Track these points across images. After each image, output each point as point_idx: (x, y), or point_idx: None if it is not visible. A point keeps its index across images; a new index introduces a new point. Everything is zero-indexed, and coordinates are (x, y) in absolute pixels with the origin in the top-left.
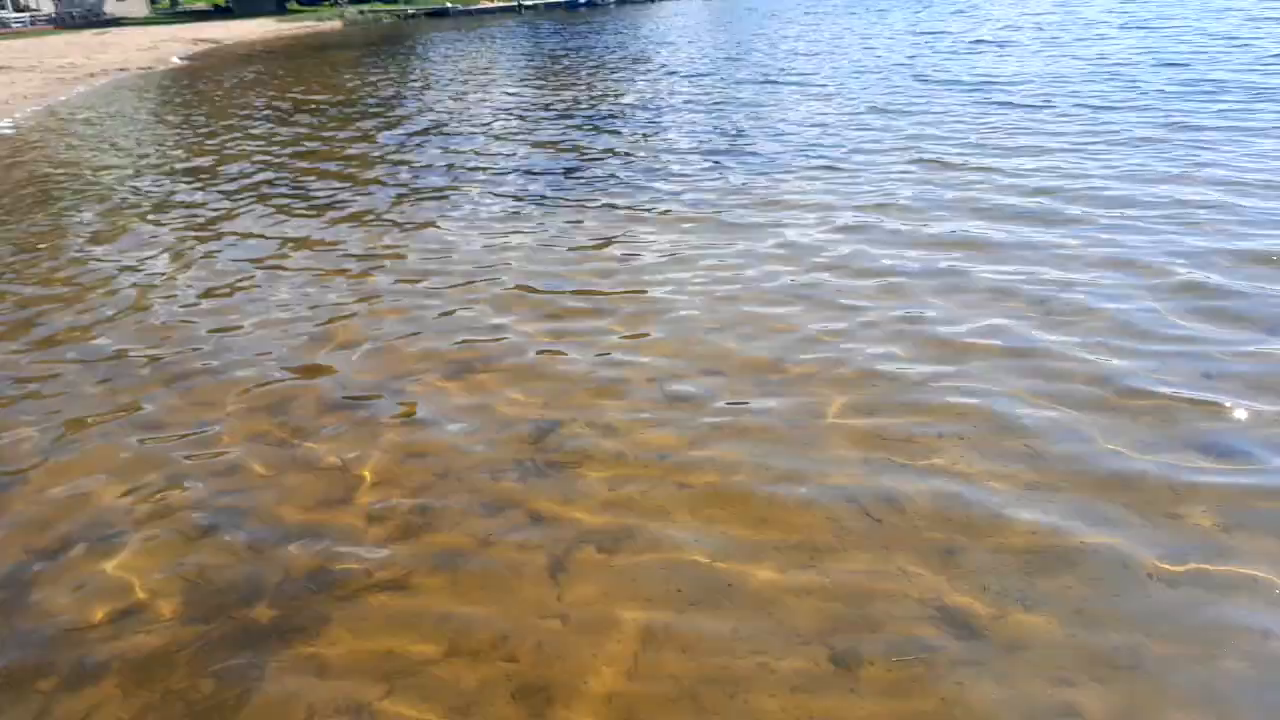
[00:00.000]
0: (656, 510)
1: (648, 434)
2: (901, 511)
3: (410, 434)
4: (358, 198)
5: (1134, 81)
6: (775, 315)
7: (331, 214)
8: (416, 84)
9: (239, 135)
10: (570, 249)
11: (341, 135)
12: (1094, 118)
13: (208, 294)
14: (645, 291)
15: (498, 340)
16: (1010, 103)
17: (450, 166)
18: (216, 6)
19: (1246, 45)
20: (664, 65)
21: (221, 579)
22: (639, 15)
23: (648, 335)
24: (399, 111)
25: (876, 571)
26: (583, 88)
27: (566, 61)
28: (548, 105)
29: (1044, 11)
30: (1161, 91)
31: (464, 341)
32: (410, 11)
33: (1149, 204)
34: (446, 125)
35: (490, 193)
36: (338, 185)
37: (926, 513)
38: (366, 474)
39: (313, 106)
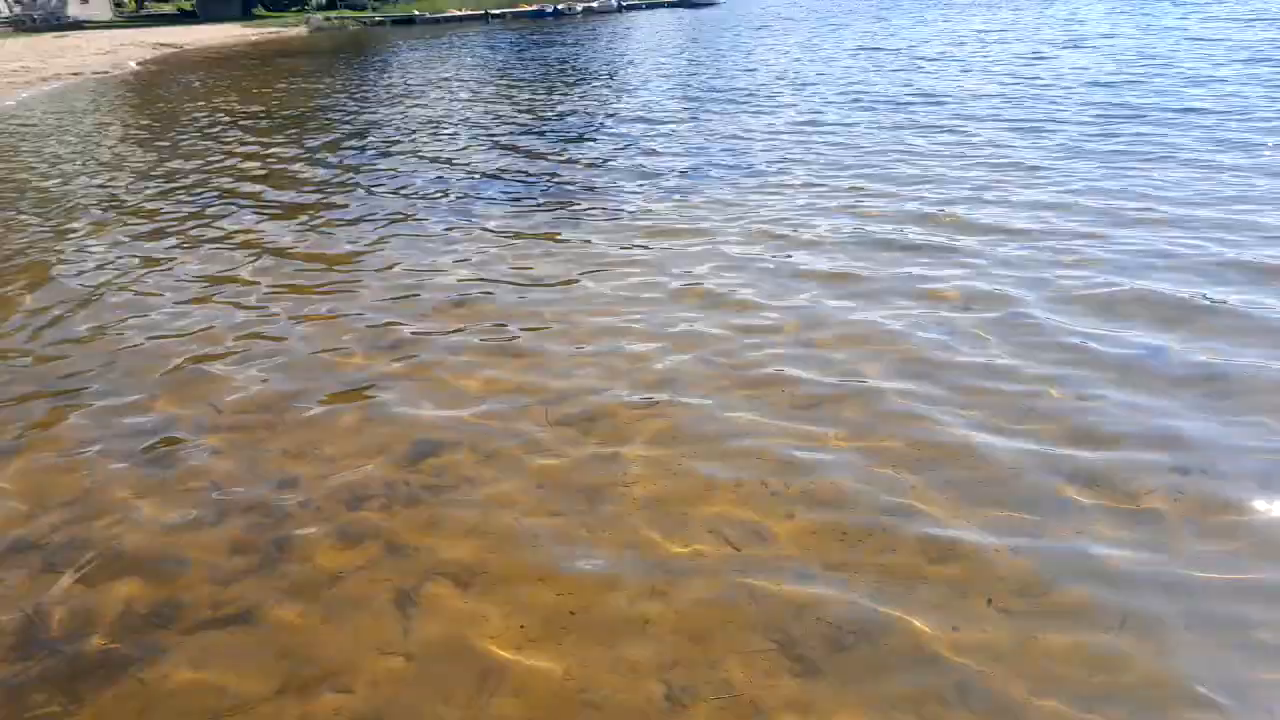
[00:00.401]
0: (519, 541)
1: (527, 461)
2: (764, 541)
3: (282, 460)
4: (279, 205)
5: (1056, 103)
6: (664, 344)
7: (249, 223)
8: (371, 93)
9: (183, 143)
10: (481, 264)
11: (284, 144)
12: (1000, 141)
13: (86, 306)
14: (541, 313)
15: (399, 358)
16: (920, 123)
17: (383, 179)
18: (181, 11)
19: (1175, 66)
20: (608, 78)
21: (57, 612)
22: (604, 25)
23: (540, 360)
24: (347, 120)
25: (726, 603)
26: (530, 99)
27: (522, 73)
28: (497, 116)
29: (994, 30)
30: (1066, 116)
31: (364, 357)
32: (377, 19)
33: (1015, 234)
34: (390, 135)
35: (428, 204)
36: (272, 195)
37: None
38: (229, 500)
39: (264, 114)
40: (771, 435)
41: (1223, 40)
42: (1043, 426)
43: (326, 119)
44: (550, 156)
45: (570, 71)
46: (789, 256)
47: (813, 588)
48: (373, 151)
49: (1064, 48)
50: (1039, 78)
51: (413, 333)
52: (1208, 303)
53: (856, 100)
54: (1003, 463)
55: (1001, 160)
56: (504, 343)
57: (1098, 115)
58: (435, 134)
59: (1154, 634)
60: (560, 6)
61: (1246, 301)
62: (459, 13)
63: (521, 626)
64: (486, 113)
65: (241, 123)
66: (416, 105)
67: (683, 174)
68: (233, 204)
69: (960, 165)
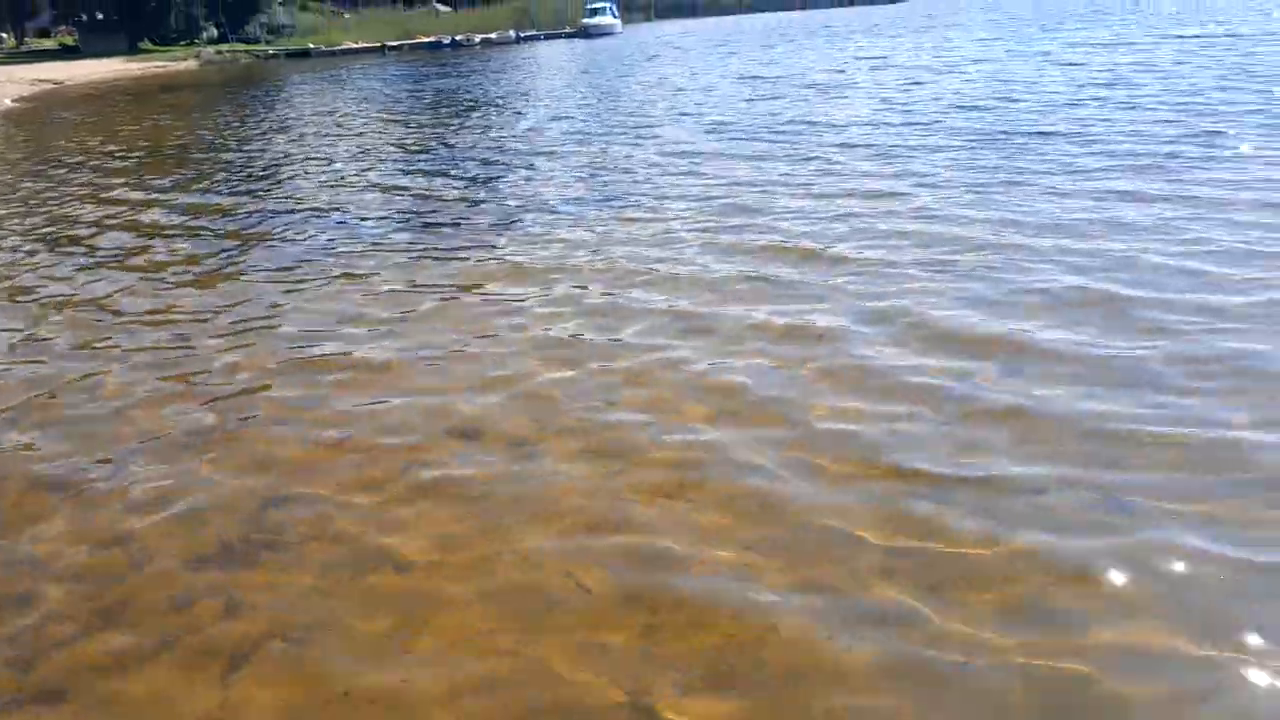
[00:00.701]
0: (353, 603)
1: (376, 515)
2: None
3: (117, 517)
4: (151, 248)
5: (924, 129)
6: (527, 387)
7: (119, 263)
8: (248, 128)
9: (47, 184)
10: (338, 309)
11: (135, 185)
12: (864, 170)
13: None
14: (391, 357)
15: (245, 411)
16: (790, 153)
17: (234, 219)
18: (64, 46)
19: (1037, 91)
20: (496, 110)
21: None
22: (502, 57)
23: (388, 403)
24: (217, 157)
25: (565, 658)
26: (415, 133)
27: (412, 106)
28: (376, 151)
29: (872, 56)
30: (931, 143)
31: (207, 403)
32: (270, 52)
33: (864, 265)
34: (255, 172)
35: (275, 246)
36: (134, 236)
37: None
38: (57, 566)
39: (126, 152)
40: (581, 493)
41: (1082, 65)
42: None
43: (193, 156)
44: (422, 192)
45: (460, 104)
46: (635, 293)
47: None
48: (231, 190)
49: (938, 74)
50: (912, 104)
51: (237, 391)
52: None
53: (731, 130)
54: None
55: (864, 190)
56: (326, 392)
57: (962, 142)
58: (305, 171)
59: None
60: (458, 38)
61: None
62: (355, 45)
63: (346, 693)
64: (364, 148)
65: (98, 162)
66: (293, 140)
67: (551, 208)
68: (61, 251)
69: (824, 195)
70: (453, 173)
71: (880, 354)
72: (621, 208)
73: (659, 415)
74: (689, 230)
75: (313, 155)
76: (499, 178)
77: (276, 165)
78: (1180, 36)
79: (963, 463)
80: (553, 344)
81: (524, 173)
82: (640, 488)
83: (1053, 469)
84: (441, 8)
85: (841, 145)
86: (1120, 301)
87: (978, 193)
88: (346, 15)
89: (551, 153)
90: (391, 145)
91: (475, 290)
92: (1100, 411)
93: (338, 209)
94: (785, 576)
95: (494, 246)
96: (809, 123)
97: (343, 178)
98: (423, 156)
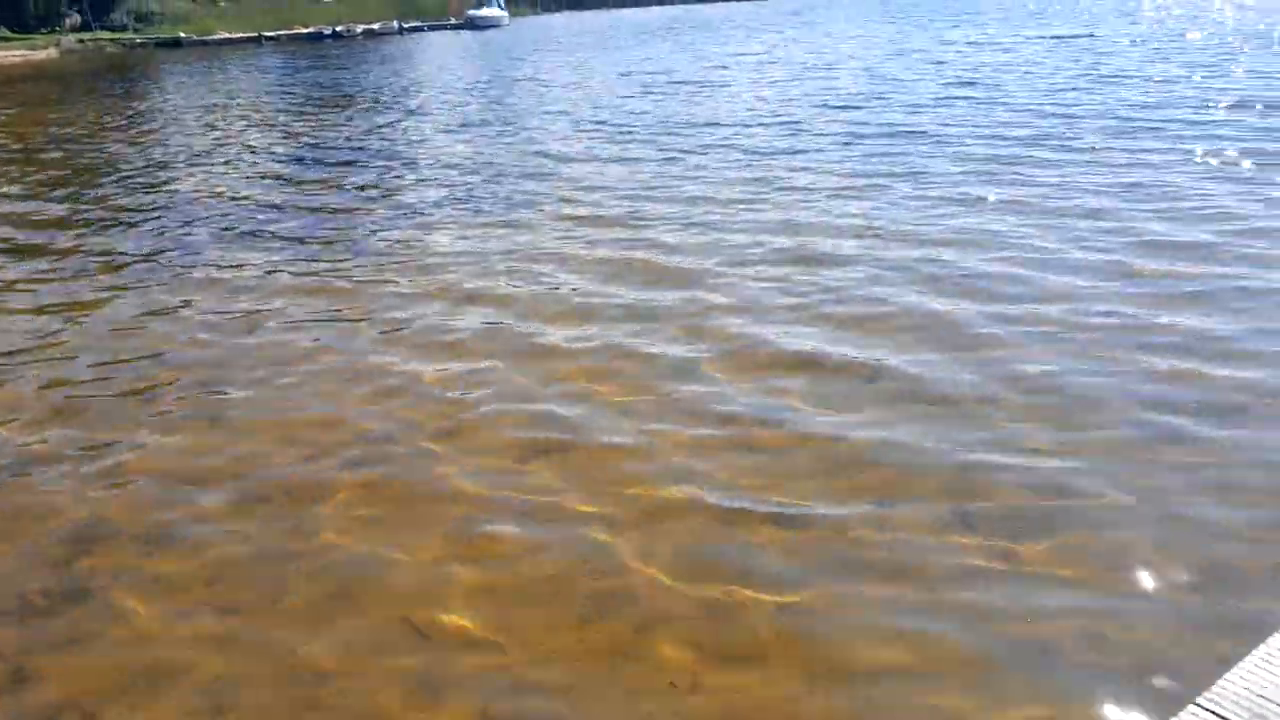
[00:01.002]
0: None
1: (205, 553)
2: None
3: None
4: None
5: (795, 129)
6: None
7: None
8: (107, 123)
9: None
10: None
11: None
12: (714, 174)
13: None
14: (227, 376)
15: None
16: (659, 154)
17: (86, 224)
18: None
19: (906, 89)
20: (375, 105)
21: None
22: (385, 48)
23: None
24: (70, 155)
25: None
26: (288, 130)
27: (286, 100)
28: (245, 148)
29: (753, 54)
30: (797, 145)
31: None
32: (138, 41)
33: (699, 276)
34: (106, 173)
35: (129, 254)
36: None
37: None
38: None
39: None
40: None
41: (950, 64)
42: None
43: (42, 156)
44: (294, 194)
45: (339, 98)
46: (470, 310)
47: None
48: (77, 193)
49: (813, 71)
50: (784, 103)
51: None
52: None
53: (602, 129)
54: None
55: (723, 197)
56: (205, 407)
57: (827, 143)
58: (162, 169)
59: None
60: (339, 28)
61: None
62: (230, 35)
63: None
64: (227, 144)
65: None
66: (153, 138)
67: (414, 213)
68: None
69: (681, 199)
70: (330, 176)
71: (704, 379)
72: (488, 212)
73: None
74: (554, 237)
75: (174, 155)
76: (366, 183)
77: (138, 163)
78: (1043, 37)
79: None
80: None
81: (388, 176)
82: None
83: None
84: None
85: (708, 146)
86: (946, 322)
87: (838, 197)
88: (222, 3)
89: (412, 156)
90: (267, 143)
91: (332, 299)
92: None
93: (187, 217)
94: None
95: (353, 255)
96: (678, 122)
97: (211, 177)
98: (301, 157)
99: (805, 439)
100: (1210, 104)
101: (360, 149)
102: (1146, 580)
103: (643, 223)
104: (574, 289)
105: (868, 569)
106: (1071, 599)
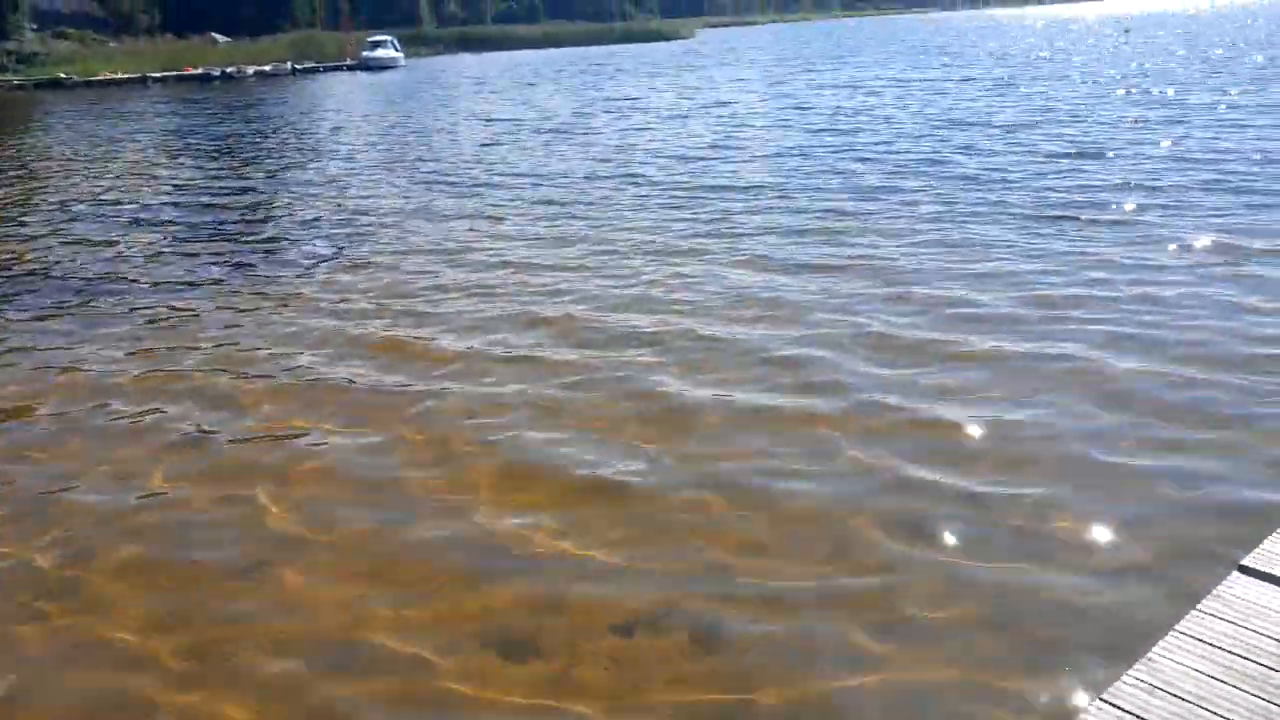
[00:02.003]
0: None
1: None
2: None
3: None
4: None
5: (638, 180)
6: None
7: None
8: None
9: None
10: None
11: None
12: (550, 233)
13: None
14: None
15: None
16: (480, 212)
17: None
18: None
19: (758, 139)
20: (253, 154)
21: None
22: (275, 91)
23: None
24: None
25: None
26: (159, 180)
27: (161, 148)
28: (106, 199)
29: (625, 98)
30: (635, 199)
31: None
32: (16, 81)
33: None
34: None
35: None
36: None
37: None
38: None
39: None
40: None
41: (812, 108)
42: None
43: None
44: (154, 245)
45: (221, 146)
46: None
47: None
48: None
49: (677, 118)
50: (635, 151)
51: None
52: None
53: (448, 181)
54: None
55: (526, 261)
56: None
57: (663, 198)
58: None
59: None
60: (229, 70)
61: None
62: (115, 76)
63: None
64: (78, 197)
65: None
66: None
67: (257, 261)
68: None
69: (482, 263)
70: (195, 228)
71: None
72: (328, 260)
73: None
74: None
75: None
76: (224, 231)
77: None
78: (906, 81)
79: None
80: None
81: (247, 223)
82: None
83: None
84: (221, 38)
85: (546, 202)
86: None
87: (656, 258)
88: (111, 44)
89: (281, 202)
90: (132, 194)
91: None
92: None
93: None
94: None
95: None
96: (527, 175)
97: (62, 232)
98: (171, 204)
99: None
100: (1052, 155)
101: (215, 195)
102: None
103: (417, 298)
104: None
105: None
106: None
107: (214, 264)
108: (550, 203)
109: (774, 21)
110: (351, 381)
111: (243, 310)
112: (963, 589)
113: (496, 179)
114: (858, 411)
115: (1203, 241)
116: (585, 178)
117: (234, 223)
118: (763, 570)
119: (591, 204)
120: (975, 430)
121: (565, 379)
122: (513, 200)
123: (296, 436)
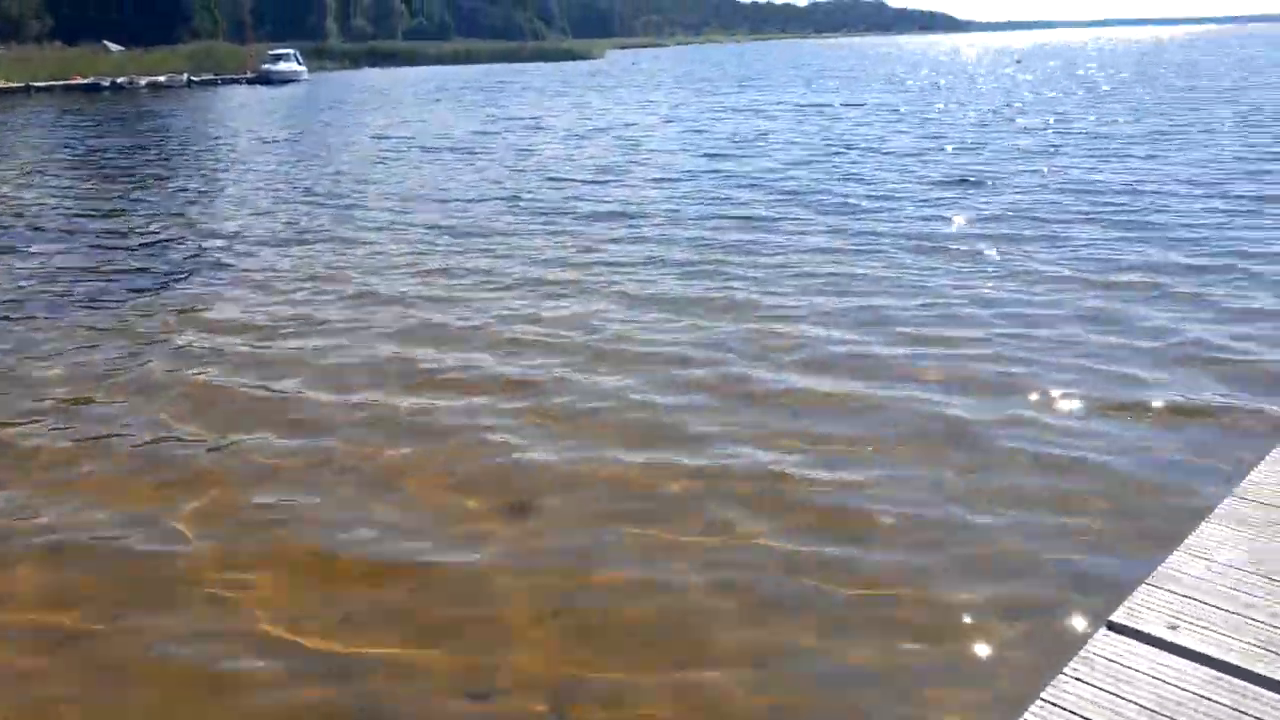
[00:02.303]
0: None
1: None
2: None
3: None
4: None
5: (514, 204)
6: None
7: None
8: None
9: None
10: None
11: None
12: (423, 263)
13: None
14: None
15: None
16: (357, 239)
17: None
18: None
19: (646, 163)
20: (129, 172)
21: None
22: (168, 104)
23: None
24: None
25: None
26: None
27: (39, 166)
28: None
29: (523, 117)
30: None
31: None
32: None
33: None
34: None
35: None
36: None
37: None
38: None
39: None
40: None
41: (706, 132)
42: None
43: None
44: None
45: (91, 162)
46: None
47: None
48: None
49: (571, 139)
50: (520, 174)
51: None
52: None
53: (326, 202)
54: None
55: (372, 293)
56: None
57: (537, 223)
58: None
59: None
60: (120, 81)
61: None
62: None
63: None
64: None
65: None
66: None
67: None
68: None
69: (353, 293)
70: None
71: None
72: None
73: None
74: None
75: None
76: (73, 259)
77: None
78: (804, 106)
79: None
80: None
81: (102, 249)
82: None
83: None
84: (114, 47)
85: (427, 226)
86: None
87: (527, 290)
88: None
89: (152, 228)
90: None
91: None
92: None
93: None
94: None
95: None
96: (413, 196)
97: None
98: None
99: None
100: (933, 180)
101: (72, 218)
102: None
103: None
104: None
105: None
106: None
107: (55, 294)
108: (431, 227)
109: (681, 44)
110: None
111: (87, 346)
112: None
113: (379, 200)
114: (713, 469)
115: (1080, 276)
116: (472, 200)
117: (86, 249)
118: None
119: (471, 231)
120: (816, 488)
121: (396, 438)
122: (392, 223)
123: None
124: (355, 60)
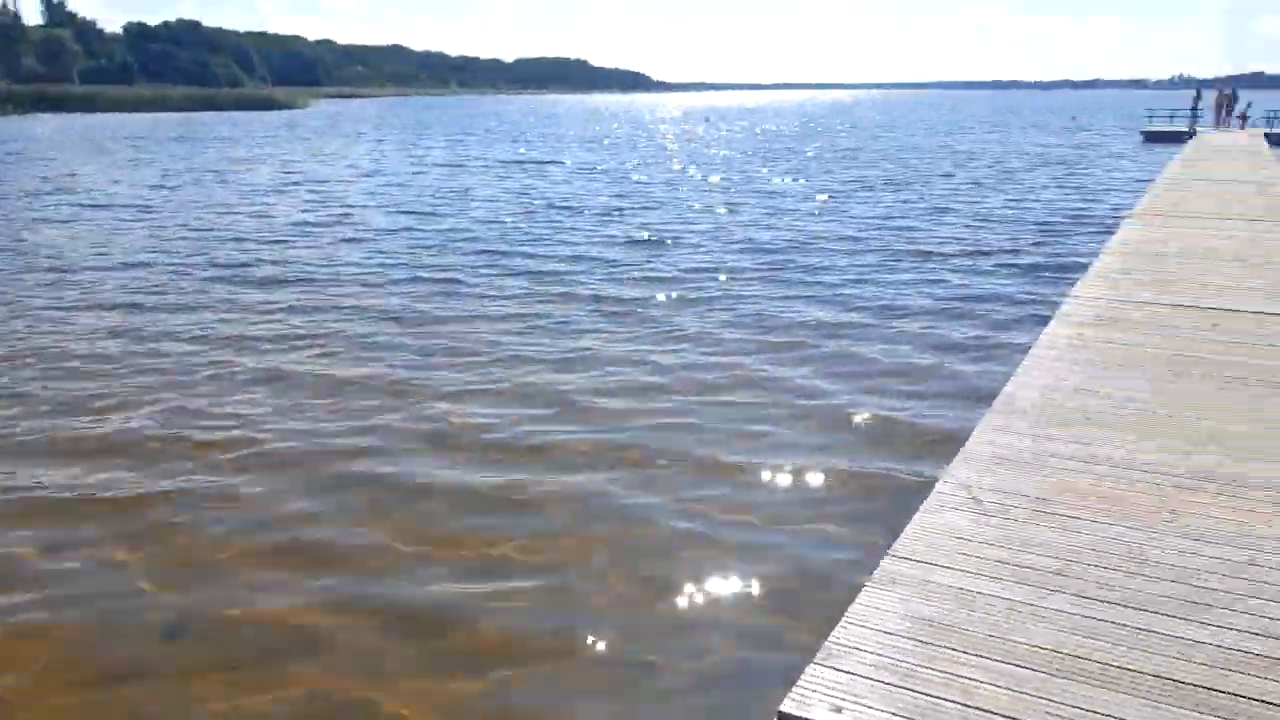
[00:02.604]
0: None
1: None
2: None
3: None
4: None
5: (192, 263)
6: None
7: None
8: None
9: None
10: None
11: None
12: (63, 331)
13: None
14: None
15: None
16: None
17: None
18: None
19: (332, 220)
20: None
21: None
22: None
23: None
24: None
25: None
26: None
27: None
28: None
29: (214, 169)
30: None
31: None
32: None
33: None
34: None
35: None
36: None
37: None
38: None
39: None
40: None
41: (407, 187)
42: None
43: None
44: None
45: None
46: None
47: None
48: None
49: (257, 195)
50: (211, 229)
51: None
52: None
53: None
54: None
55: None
56: None
57: (195, 285)
58: None
59: None
60: None
61: None
62: None
63: None
64: None
65: None
66: None
67: None
68: None
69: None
70: None
71: None
72: None
73: None
74: None
75: None
76: None
77: None
78: (505, 162)
79: None
80: None
81: None
82: None
83: None
84: None
85: (77, 307)
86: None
87: (162, 382)
88: None
89: None
90: None
91: None
92: None
93: None
94: None
95: None
96: (88, 264)
97: None
98: None
99: None
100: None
101: None
102: None
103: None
104: None
105: None
106: None
107: None
108: (77, 308)
109: (390, 96)
110: None
111: None
112: None
113: (25, 270)
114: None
115: (746, 338)
116: (137, 265)
117: None
118: None
119: (135, 304)
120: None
121: None
122: (28, 295)
123: None
124: (20, 105)
